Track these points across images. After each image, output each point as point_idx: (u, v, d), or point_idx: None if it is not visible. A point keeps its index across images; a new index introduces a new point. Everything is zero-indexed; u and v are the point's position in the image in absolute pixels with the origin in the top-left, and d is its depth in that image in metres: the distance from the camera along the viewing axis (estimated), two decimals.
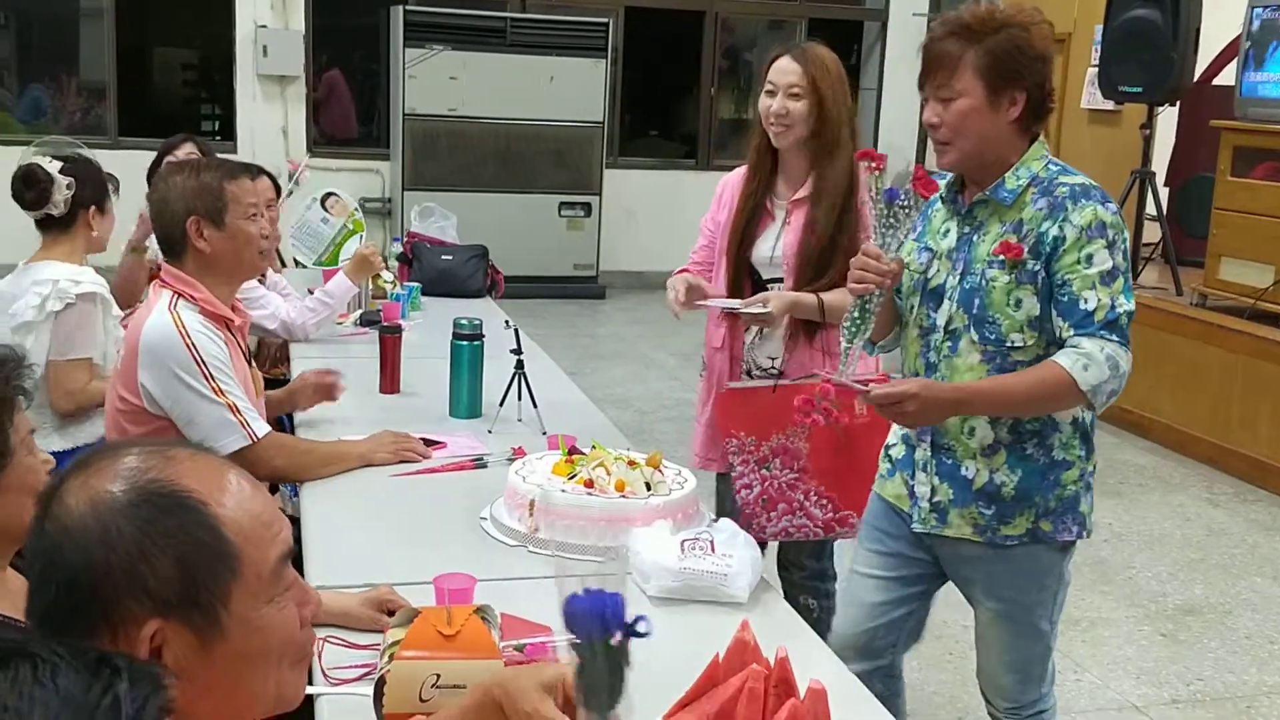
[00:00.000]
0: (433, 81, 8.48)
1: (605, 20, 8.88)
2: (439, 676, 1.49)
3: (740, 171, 2.94)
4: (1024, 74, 2.06)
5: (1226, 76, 6.62)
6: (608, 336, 7.84)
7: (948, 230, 2.21)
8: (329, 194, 4.48)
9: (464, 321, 3.00)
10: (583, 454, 2.34)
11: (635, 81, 9.98)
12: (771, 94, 2.77)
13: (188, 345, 2.33)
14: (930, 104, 2.13)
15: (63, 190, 3.11)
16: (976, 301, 2.13)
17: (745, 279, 2.88)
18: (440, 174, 8.60)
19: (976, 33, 2.06)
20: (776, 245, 2.83)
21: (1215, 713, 3.32)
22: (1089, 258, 2.04)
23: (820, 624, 3.03)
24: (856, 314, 2.18)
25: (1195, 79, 6.77)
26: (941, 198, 2.23)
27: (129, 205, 3.39)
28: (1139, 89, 6.49)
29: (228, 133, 8.93)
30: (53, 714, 0.68)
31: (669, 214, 8.89)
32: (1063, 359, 2.03)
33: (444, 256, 4.65)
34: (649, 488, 2.20)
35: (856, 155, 2.35)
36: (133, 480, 1.02)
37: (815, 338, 2.83)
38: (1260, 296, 5.63)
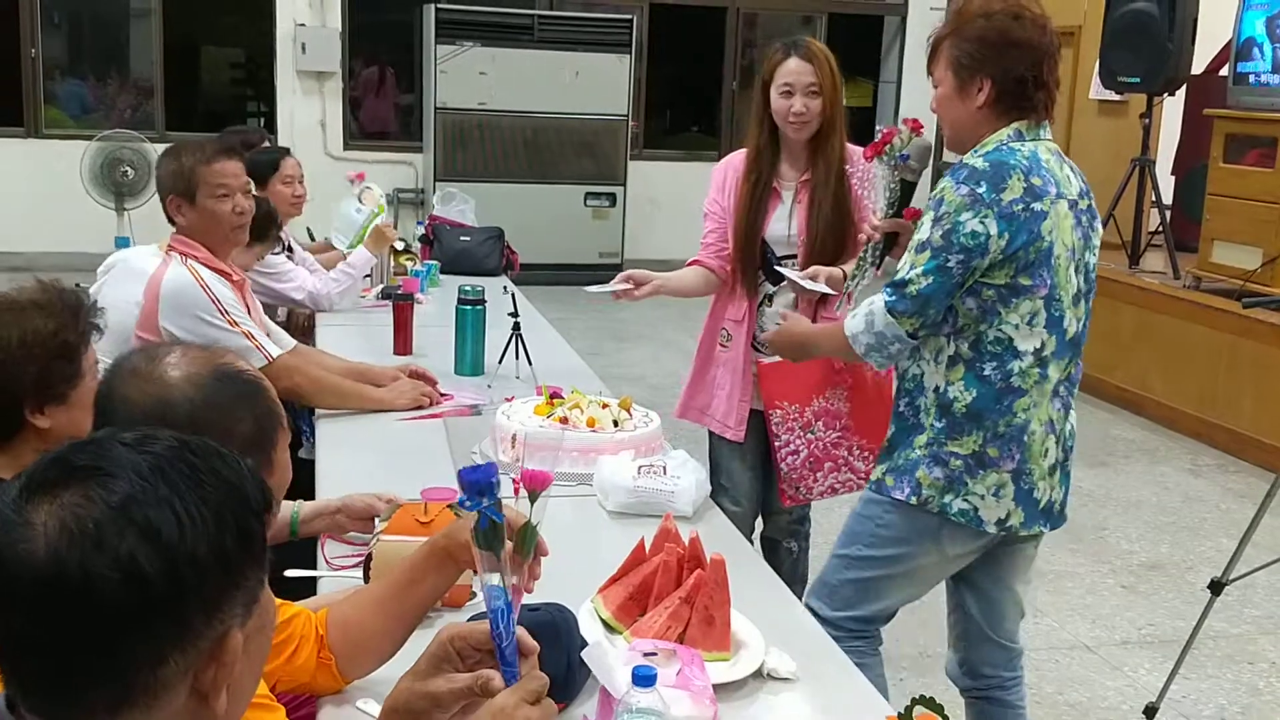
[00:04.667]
0: (463, 77, 8.85)
1: (629, 17, 9.21)
2: None
3: (739, 156, 3.14)
4: (989, 63, 2.14)
5: None
6: (630, 320, 8.15)
7: None
8: (365, 188, 4.84)
9: (468, 288, 3.33)
10: (562, 399, 2.66)
11: (659, 76, 10.29)
12: (789, 94, 2.93)
13: (205, 290, 2.72)
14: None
15: None
16: None
17: (759, 257, 3.06)
18: (471, 165, 8.97)
19: (958, 23, 2.19)
20: (791, 224, 3.03)
21: (1161, 652, 3.59)
22: (920, 225, 2.18)
23: (798, 564, 3.35)
24: (855, 272, 2.58)
25: (1201, 70, 7.01)
26: None
27: None
28: (1137, 79, 6.72)
29: (271, 127, 9.34)
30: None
31: (691, 204, 9.04)
32: None
33: (462, 238, 4.99)
34: (616, 425, 2.53)
35: (904, 121, 2.49)
36: (208, 365, 1.42)
37: (815, 307, 3.02)
38: (1249, 278, 5.86)
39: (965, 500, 2.20)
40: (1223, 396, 5.75)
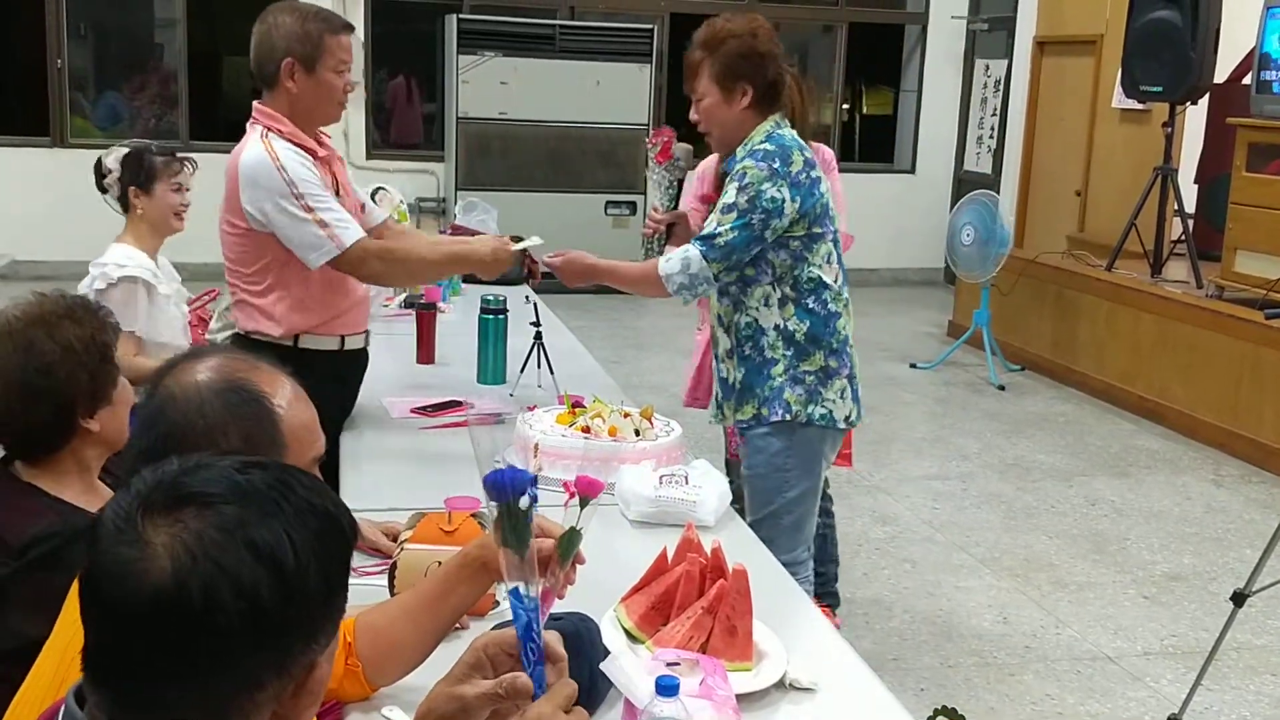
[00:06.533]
0: (485, 86, 8.89)
1: (650, 26, 9.24)
2: (439, 564, 1.82)
3: (714, 157, 3.27)
4: (746, 72, 2.68)
5: None
6: (647, 329, 8.17)
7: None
8: (377, 189, 4.85)
9: (490, 298, 3.36)
10: (584, 408, 2.68)
11: (679, 85, 10.29)
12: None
13: (279, 169, 2.63)
14: (693, 104, 2.78)
15: (113, 178, 3.51)
16: None
17: None
18: (492, 174, 9.01)
19: (710, 45, 2.72)
20: None
21: (1183, 663, 3.58)
22: (726, 193, 2.66)
23: (828, 540, 3.50)
24: (644, 253, 3.10)
25: (1225, 79, 6.98)
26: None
27: (201, 204, 3.60)
28: (1160, 88, 6.70)
29: None
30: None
31: None
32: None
33: None
34: (638, 434, 2.54)
35: (661, 131, 3.13)
36: (224, 374, 1.39)
37: None
38: (1272, 287, 5.82)
39: (823, 406, 2.74)
40: (1245, 406, 5.72)
